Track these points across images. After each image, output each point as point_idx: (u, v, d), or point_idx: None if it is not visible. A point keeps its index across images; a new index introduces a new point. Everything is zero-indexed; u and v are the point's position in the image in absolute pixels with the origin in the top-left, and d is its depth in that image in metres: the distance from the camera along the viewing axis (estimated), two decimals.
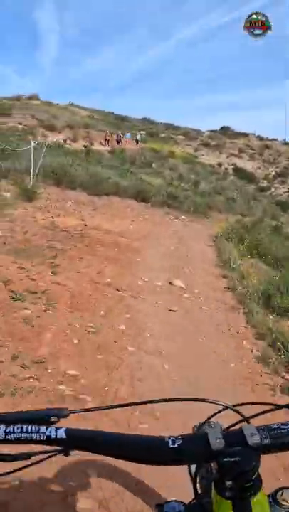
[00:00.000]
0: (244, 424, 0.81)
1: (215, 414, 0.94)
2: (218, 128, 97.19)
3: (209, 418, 0.95)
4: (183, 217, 20.14)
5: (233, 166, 78.78)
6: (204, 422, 0.96)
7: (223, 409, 0.91)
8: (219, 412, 0.92)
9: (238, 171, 72.93)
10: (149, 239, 11.35)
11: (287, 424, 0.78)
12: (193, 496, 0.86)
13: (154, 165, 39.14)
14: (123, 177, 23.26)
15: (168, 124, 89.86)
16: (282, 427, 0.77)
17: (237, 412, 0.89)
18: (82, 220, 11.44)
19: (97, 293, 6.09)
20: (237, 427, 0.81)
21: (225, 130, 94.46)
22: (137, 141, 45.28)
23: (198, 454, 0.76)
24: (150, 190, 21.65)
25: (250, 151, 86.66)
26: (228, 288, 7.87)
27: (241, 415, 0.88)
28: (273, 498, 0.85)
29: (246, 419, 0.87)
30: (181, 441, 0.76)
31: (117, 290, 6.44)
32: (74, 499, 2.37)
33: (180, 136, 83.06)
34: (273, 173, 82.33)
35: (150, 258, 9.01)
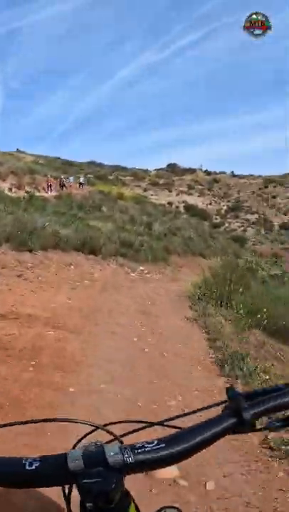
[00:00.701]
0: (107, 443, 0.78)
1: (86, 435, 0.90)
2: (164, 165, 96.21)
3: (80, 440, 0.89)
4: (141, 268, 16.14)
5: (184, 204, 76.52)
6: (76, 444, 0.86)
7: (94, 430, 0.88)
8: (90, 432, 0.90)
9: (190, 209, 70.48)
10: (97, 322, 7.10)
11: (152, 443, 0.75)
12: None
13: (103, 208, 35.73)
14: (67, 224, 19.14)
15: (115, 165, 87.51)
16: (147, 445, 0.75)
17: (108, 431, 0.85)
18: None
19: None
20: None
21: (172, 167, 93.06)
22: (80, 184, 41.97)
23: (56, 476, 0.73)
24: (100, 237, 17.61)
25: (200, 187, 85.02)
26: (272, 449, 3.66)
27: (113, 435, 0.83)
28: None
29: (118, 438, 0.83)
30: (38, 463, 0.72)
31: None
32: None
33: (128, 177, 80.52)
34: (225, 207, 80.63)
35: (96, 381, 4.62)
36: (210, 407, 0.88)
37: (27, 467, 0.71)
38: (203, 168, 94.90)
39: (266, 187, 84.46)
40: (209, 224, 65.69)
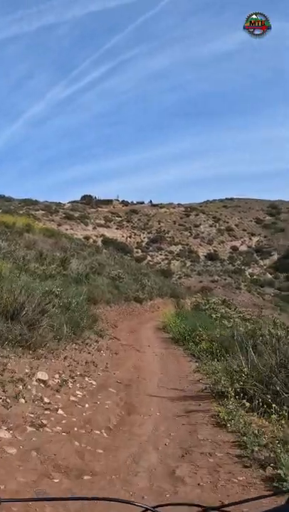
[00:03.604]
0: None
1: None
2: (79, 198, 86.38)
3: None
4: (39, 376, 6.24)
5: (101, 238, 67.17)
6: None
7: (145, 511, 0.85)
8: None
9: (109, 243, 61.16)
10: None
11: None
12: None
13: (1, 243, 25.34)
14: None
15: (25, 199, 76.35)
16: None
17: None
18: None
19: None
20: None
21: (87, 199, 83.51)
22: None
23: None
24: None
25: (118, 219, 76.14)
26: None
27: None
28: None
29: None
30: None
31: None
32: None
33: (40, 211, 70.01)
34: (146, 239, 72.24)
35: None
36: (279, 492, 0.98)
37: None
38: (120, 199, 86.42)
39: (188, 216, 77.49)
40: (131, 258, 56.79)
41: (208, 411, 5.70)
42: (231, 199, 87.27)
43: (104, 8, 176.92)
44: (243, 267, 65.84)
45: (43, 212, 71.62)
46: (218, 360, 8.68)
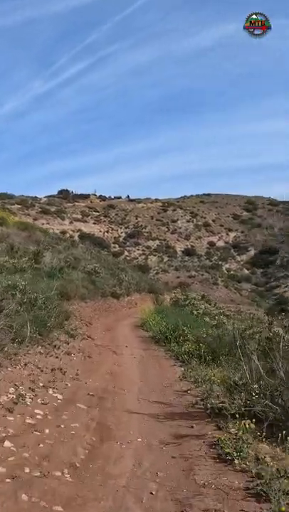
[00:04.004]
0: None
1: None
2: (55, 192, 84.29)
3: None
4: None
5: (78, 233, 65.40)
6: None
7: None
8: None
9: (86, 238, 59.48)
10: None
11: None
12: None
13: None
14: None
15: (1, 193, 73.64)
16: None
17: None
18: None
19: None
20: None
21: (64, 193, 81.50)
22: None
23: None
24: None
25: (95, 214, 74.47)
26: None
27: None
28: None
29: None
30: None
31: None
32: None
33: (16, 206, 67.73)
34: (124, 234, 70.76)
35: None
36: None
37: None
38: (97, 194, 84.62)
39: (165, 211, 76.30)
40: (108, 253, 55.31)
41: (204, 436, 4.42)
42: (208, 194, 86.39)
43: (81, 2, 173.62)
44: (220, 263, 65.09)
45: (19, 206, 69.42)
46: (207, 365, 7.43)
